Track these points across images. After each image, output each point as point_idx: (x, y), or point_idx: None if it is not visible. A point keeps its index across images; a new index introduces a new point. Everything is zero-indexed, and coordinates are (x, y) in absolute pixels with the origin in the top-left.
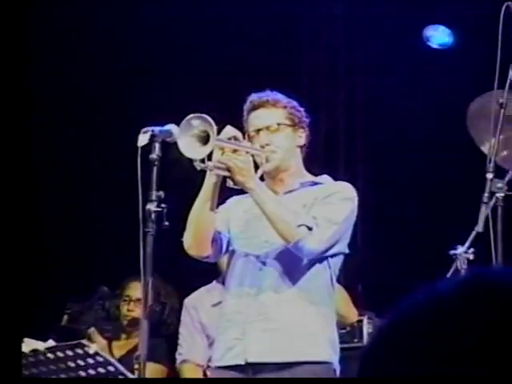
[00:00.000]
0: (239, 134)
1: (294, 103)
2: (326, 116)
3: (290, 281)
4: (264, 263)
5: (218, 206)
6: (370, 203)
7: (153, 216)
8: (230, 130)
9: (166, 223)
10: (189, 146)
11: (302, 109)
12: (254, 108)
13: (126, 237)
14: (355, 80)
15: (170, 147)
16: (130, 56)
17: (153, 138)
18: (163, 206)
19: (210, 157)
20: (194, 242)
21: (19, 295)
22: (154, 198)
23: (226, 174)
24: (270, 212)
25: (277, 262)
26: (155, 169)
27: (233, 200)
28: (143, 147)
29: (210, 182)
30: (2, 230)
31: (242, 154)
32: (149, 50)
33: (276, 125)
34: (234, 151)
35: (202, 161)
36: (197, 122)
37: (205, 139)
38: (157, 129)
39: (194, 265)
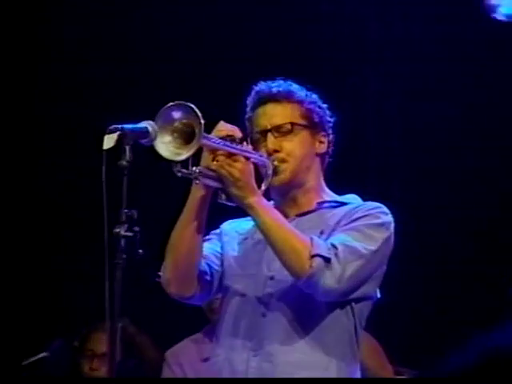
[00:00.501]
0: (238, 133)
1: (315, 97)
2: (351, 113)
3: (302, 330)
4: (267, 307)
5: (208, 232)
6: (410, 231)
7: (122, 242)
8: (224, 127)
9: (140, 251)
10: (167, 144)
11: (324, 105)
12: (261, 102)
13: (87, 270)
14: (390, 66)
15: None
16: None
17: (122, 138)
18: (136, 229)
19: (197, 162)
20: (175, 276)
21: None
22: (124, 218)
23: (218, 185)
24: (275, 238)
25: (285, 306)
26: (125, 180)
27: (227, 224)
28: (110, 151)
29: (195, 196)
30: None
31: (241, 160)
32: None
33: (289, 125)
34: (230, 156)
35: (185, 165)
36: (178, 113)
37: (189, 136)
38: (128, 127)
39: (176, 307)
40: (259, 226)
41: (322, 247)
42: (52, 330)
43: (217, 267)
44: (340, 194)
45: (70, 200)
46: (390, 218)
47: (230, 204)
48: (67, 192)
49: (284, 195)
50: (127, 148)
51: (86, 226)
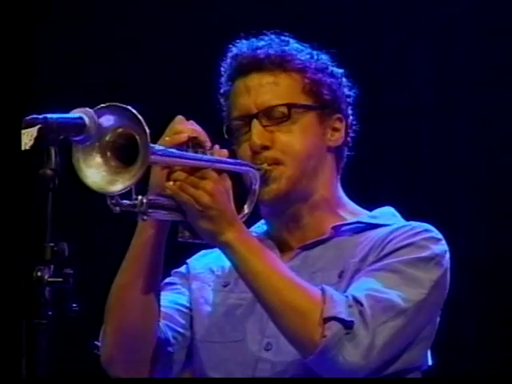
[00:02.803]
0: (204, 135)
1: (324, 60)
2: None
3: None
4: None
5: (166, 271)
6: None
7: (47, 292)
8: (183, 126)
9: (75, 306)
10: (96, 169)
11: (339, 71)
12: (242, 71)
13: None
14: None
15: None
16: None
17: (44, 134)
18: (68, 271)
19: (144, 186)
20: (118, 352)
21: None
22: (48, 255)
23: (177, 217)
24: (267, 292)
25: None
26: (51, 196)
27: (197, 259)
28: (27, 153)
29: (144, 236)
30: None
31: (211, 177)
32: None
33: (285, 108)
34: (194, 171)
35: (126, 194)
36: (109, 121)
37: (128, 153)
38: (53, 117)
39: None
40: (242, 274)
41: (340, 304)
42: None
43: (183, 330)
44: (368, 206)
45: None
46: (442, 246)
47: (196, 241)
48: None
49: (280, 215)
50: (52, 150)
51: None
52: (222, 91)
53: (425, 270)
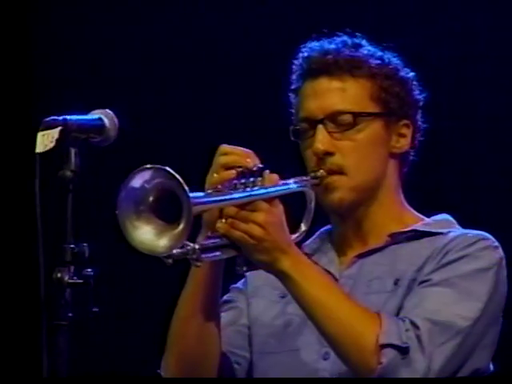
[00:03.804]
0: (250, 162)
1: (396, 64)
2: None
3: None
4: None
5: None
6: None
7: (67, 293)
8: (228, 159)
9: (95, 308)
10: (143, 232)
11: (410, 75)
12: (311, 74)
13: (16, 335)
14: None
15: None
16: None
17: (65, 136)
18: (88, 271)
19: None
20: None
21: None
22: (69, 256)
23: (233, 253)
24: (322, 318)
25: None
26: (70, 198)
27: (255, 272)
28: (46, 155)
29: (198, 276)
30: None
31: (262, 209)
32: None
33: (350, 115)
34: (244, 206)
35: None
36: (148, 181)
37: (173, 209)
38: (73, 119)
39: None
40: (298, 301)
41: (396, 330)
42: None
43: (243, 353)
44: (426, 211)
45: None
46: (498, 254)
47: (251, 270)
48: None
49: (343, 222)
50: (73, 151)
51: (13, 270)
52: (293, 87)
53: (482, 281)
